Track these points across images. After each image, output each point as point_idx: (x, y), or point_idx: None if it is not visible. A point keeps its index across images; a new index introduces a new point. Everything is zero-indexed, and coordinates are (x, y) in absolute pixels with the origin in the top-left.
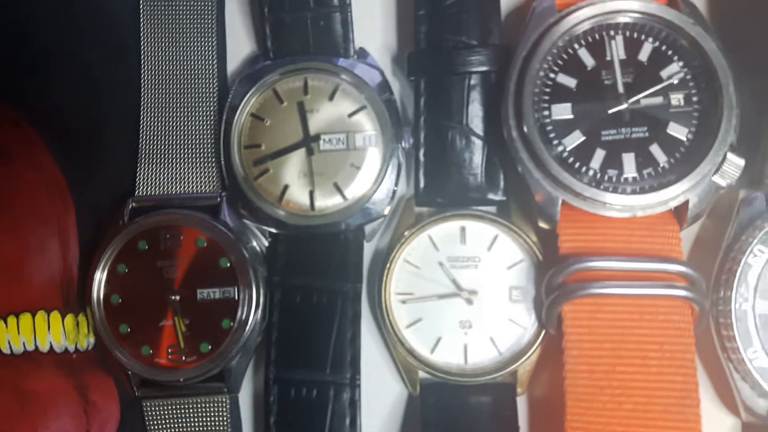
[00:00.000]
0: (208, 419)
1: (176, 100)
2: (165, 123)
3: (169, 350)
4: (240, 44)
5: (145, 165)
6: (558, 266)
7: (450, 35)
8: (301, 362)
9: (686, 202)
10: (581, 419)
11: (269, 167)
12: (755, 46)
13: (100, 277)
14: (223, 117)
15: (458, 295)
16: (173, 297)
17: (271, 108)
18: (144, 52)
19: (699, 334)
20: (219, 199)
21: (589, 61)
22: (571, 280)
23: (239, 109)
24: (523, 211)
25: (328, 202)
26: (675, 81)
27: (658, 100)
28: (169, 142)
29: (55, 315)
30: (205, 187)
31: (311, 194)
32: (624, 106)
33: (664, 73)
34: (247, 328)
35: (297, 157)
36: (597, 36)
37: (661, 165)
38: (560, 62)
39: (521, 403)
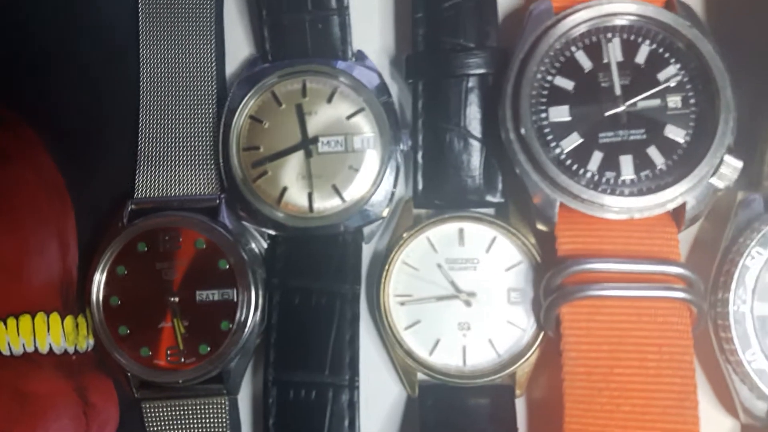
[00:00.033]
0: (207, 421)
1: (175, 102)
2: (164, 125)
3: (168, 352)
4: (238, 47)
5: (144, 167)
6: (556, 268)
7: (447, 38)
8: (300, 364)
9: (684, 204)
10: (580, 421)
11: (268, 169)
12: (752, 48)
13: (99, 278)
14: (222, 119)
15: (457, 297)
16: (172, 299)
17: (269, 110)
18: (143, 54)
19: (697, 335)
20: (218, 201)
21: (586, 63)
22: (570, 282)
23: (238, 112)
24: (522, 213)
25: (326, 204)
26: (672, 83)
27: (656, 102)
28: (168, 144)
29: (55, 316)
30: (203, 189)
31: (310, 196)
32: (621, 108)
33: (661, 76)
34: (246, 329)
35: (295, 160)
36: (594, 38)
37: (659, 167)
38: (557, 65)
39: (520, 405)
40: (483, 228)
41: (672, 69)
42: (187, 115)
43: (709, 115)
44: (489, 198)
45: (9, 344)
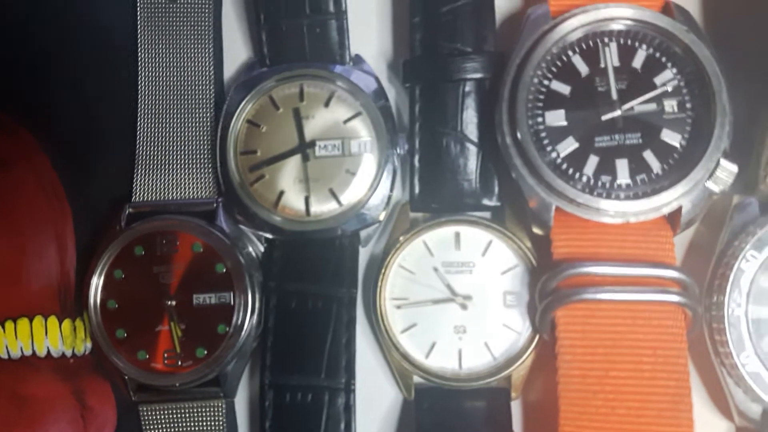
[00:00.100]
0: (204, 424)
1: (173, 106)
2: (162, 129)
3: (165, 355)
4: (236, 51)
5: (141, 171)
6: (552, 271)
7: (445, 42)
8: (297, 367)
9: (679, 208)
10: (575, 424)
11: (265, 173)
12: (749, 53)
13: (96, 282)
14: (220, 123)
15: (453, 300)
16: (169, 302)
17: (267, 114)
18: (141, 59)
19: (692, 339)
20: (215, 205)
21: (583, 68)
22: (565, 286)
23: (235, 116)
24: (518, 217)
25: (323, 207)
26: (669, 88)
27: (652, 106)
28: (165, 148)
29: (53, 320)
30: (201, 192)
31: (307, 200)
32: (618, 112)
33: (657, 80)
34: (243, 333)
35: (293, 163)
36: (591, 43)
37: (655, 171)
38: (554, 69)
39: (515, 408)
40: (479, 231)
41: (668, 73)
42: (184, 119)
43: (705, 119)
44: (485, 202)
45: (7, 348)
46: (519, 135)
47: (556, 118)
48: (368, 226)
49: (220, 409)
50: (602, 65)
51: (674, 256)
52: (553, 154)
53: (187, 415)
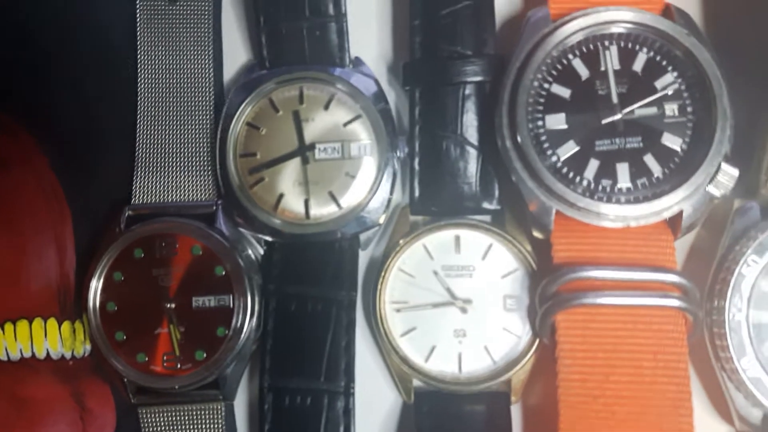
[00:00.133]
0: (203, 427)
1: (173, 108)
2: (161, 131)
3: (165, 358)
4: (236, 53)
5: (141, 173)
6: (552, 275)
7: (445, 45)
8: (296, 370)
9: (680, 213)
10: (574, 428)
11: (265, 176)
12: (749, 57)
13: (96, 284)
14: (219, 125)
15: (453, 304)
16: (169, 305)
17: (266, 117)
18: (141, 61)
19: (693, 343)
20: (214, 208)
21: (583, 71)
22: (565, 290)
23: (235, 118)
24: (518, 221)
25: (323, 210)
26: (669, 91)
27: (653, 110)
28: (165, 150)
29: (52, 322)
30: (200, 195)
31: (306, 203)
32: (618, 116)
33: (658, 84)
34: (242, 336)
35: (292, 166)
36: (591, 46)
37: (655, 175)
38: (554, 72)
39: (515, 412)
40: (479, 235)
41: (669, 77)
42: (184, 121)
43: (706, 123)
44: (485, 205)
45: (6, 349)
46: (519, 138)
47: (557, 121)
48: (368, 229)
49: (219, 412)
50: (603, 68)
51: (675, 260)
52: (554, 158)
53: (187, 417)
